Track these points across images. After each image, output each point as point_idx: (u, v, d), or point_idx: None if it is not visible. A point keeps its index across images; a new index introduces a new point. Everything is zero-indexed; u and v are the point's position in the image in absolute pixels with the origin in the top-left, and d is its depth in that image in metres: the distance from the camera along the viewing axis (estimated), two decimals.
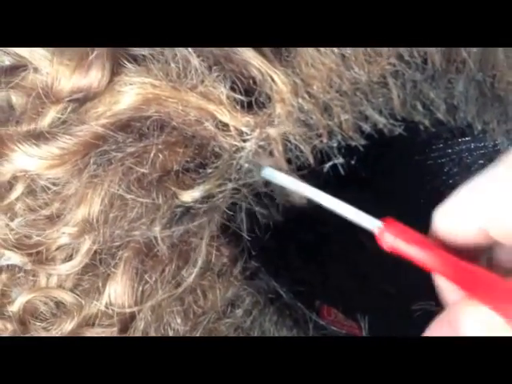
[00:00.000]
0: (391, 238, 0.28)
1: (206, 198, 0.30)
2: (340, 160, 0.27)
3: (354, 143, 0.29)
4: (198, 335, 0.30)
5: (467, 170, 0.46)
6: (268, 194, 0.31)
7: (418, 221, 0.49)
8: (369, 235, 0.49)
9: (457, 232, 0.26)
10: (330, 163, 0.28)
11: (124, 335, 0.33)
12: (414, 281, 0.43)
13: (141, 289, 0.31)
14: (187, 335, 0.31)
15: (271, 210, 0.30)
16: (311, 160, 0.28)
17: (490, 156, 0.44)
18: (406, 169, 0.50)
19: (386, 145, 0.48)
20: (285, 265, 0.42)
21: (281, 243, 0.44)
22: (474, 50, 0.28)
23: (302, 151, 0.28)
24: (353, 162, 0.52)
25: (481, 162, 0.45)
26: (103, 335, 0.34)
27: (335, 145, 0.28)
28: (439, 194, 0.48)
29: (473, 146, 0.44)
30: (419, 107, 0.27)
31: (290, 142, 0.28)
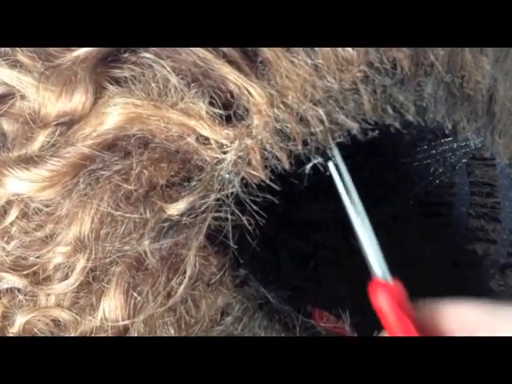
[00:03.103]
0: (384, 299, 0.28)
1: (192, 210, 0.31)
2: (319, 159, 0.28)
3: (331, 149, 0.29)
4: None
5: (452, 169, 0.47)
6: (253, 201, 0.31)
7: (408, 223, 0.50)
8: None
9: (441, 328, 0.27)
10: (310, 164, 0.29)
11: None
12: (403, 281, 0.44)
13: (133, 302, 0.32)
14: None
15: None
16: (287, 166, 0.29)
17: (473, 155, 0.45)
18: (394, 172, 0.51)
19: (372, 150, 0.49)
20: (277, 272, 0.43)
21: (273, 251, 0.45)
22: (442, 52, 0.29)
23: (278, 159, 0.29)
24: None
25: (464, 160, 0.46)
26: None
27: (313, 149, 0.29)
28: (427, 194, 0.49)
29: (455, 145, 0.45)
30: (390, 110, 0.28)
31: (266, 150, 0.29)
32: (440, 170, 0.47)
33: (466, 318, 0.26)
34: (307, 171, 0.30)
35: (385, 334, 0.29)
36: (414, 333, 0.27)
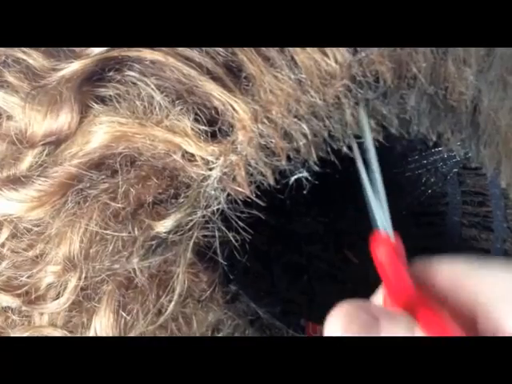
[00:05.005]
0: (384, 251, 0.28)
1: (178, 227, 0.31)
2: (304, 174, 0.28)
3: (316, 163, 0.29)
4: None
5: (443, 179, 0.47)
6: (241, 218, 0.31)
7: (401, 232, 0.50)
8: (355, 251, 0.50)
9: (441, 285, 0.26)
10: (295, 177, 0.29)
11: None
12: None
13: (123, 320, 0.32)
14: None
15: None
16: (271, 182, 0.29)
17: (464, 164, 0.45)
18: (386, 182, 0.50)
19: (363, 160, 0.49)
20: (271, 286, 0.43)
21: (266, 265, 0.45)
22: (424, 64, 0.29)
23: (263, 174, 0.29)
24: (335, 179, 0.53)
25: (455, 170, 0.46)
26: None
27: (299, 164, 0.30)
28: (419, 204, 0.49)
29: (446, 155, 0.45)
30: (372, 124, 0.28)
31: (251, 166, 0.29)
32: (432, 180, 0.47)
33: (454, 274, 0.26)
34: (291, 183, 0.30)
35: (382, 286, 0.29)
36: (410, 286, 0.27)
